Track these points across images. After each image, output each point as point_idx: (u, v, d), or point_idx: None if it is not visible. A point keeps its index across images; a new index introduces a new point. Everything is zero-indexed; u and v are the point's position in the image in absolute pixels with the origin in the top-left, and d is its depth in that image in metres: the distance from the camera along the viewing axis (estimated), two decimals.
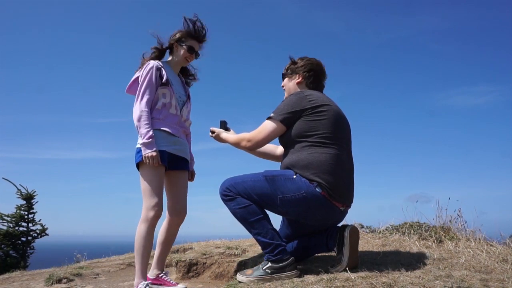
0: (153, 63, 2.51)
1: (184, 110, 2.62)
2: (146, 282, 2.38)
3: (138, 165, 2.47)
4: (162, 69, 2.52)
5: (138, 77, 2.54)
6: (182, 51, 2.59)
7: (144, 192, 2.41)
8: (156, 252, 2.63)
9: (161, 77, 2.49)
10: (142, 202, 2.43)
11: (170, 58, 2.68)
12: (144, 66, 2.51)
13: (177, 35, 2.60)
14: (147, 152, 2.34)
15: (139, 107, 2.42)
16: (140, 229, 2.38)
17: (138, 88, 2.48)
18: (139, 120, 2.40)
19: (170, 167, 2.53)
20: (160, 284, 2.54)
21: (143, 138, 2.36)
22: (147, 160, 2.35)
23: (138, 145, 2.45)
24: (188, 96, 2.71)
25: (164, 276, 2.56)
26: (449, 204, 3.06)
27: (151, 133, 2.38)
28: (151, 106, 2.48)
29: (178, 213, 2.58)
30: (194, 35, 2.59)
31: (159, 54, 2.64)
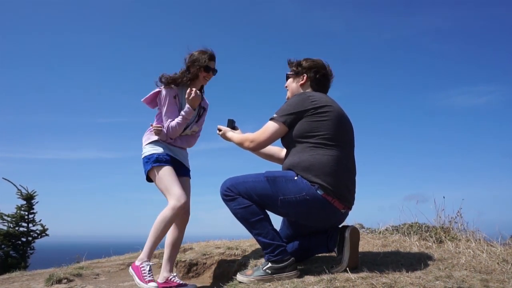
0: (169, 91, 2.70)
1: (187, 130, 2.79)
2: (151, 263, 2.47)
3: (148, 174, 2.63)
4: (177, 96, 2.72)
5: (158, 94, 2.75)
6: (200, 73, 2.74)
7: (166, 187, 2.54)
8: (164, 254, 2.70)
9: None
10: (167, 198, 2.55)
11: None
12: (160, 95, 2.71)
13: (191, 58, 2.75)
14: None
15: (166, 128, 2.66)
16: (164, 214, 2.49)
17: (162, 115, 2.70)
18: (174, 129, 2.63)
19: (176, 172, 2.67)
20: (170, 287, 2.57)
21: (187, 112, 2.63)
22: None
23: (144, 155, 2.65)
24: (199, 115, 2.86)
25: (173, 278, 2.59)
26: (449, 204, 3.06)
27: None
28: (158, 123, 2.73)
29: (183, 214, 2.66)
30: (208, 56, 2.75)
31: (174, 82, 2.76)
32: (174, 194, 2.51)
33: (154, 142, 2.68)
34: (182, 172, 2.77)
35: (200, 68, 2.73)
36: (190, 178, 2.86)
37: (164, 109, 2.68)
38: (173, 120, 2.66)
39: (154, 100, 2.80)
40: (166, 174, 2.57)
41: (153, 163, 2.59)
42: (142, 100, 2.80)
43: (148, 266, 2.44)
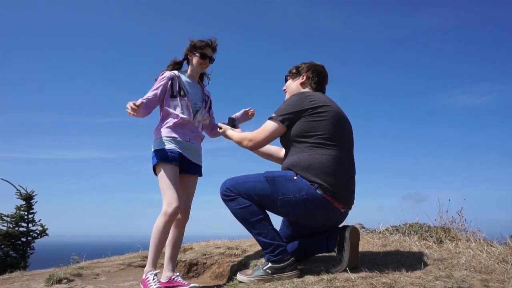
0: (168, 73, 2.70)
1: (198, 116, 2.74)
2: (155, 271, 2.46)
3: (155, 168, 2.61)
4: (176, 78, 2.70)
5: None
6: (196, 59, 2.76)
7: (163, 189, 2.52)
8: (165, 254, 2.70)
9: (172, 87, 2.68)
10: (162, 200, 2.53)
11: (188, 68, 2.85)
12: (160, 76, 2.71)
13: (190, 45, 2.78)
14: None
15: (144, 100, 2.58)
16: (158, 222, 2.50)
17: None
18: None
19: (183, 170, 2.67)
20: (173, 286, 2.56)
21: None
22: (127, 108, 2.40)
23: (154, 148, 2.62)
24: (205, 101, 2.83)
25: (176, 278, 2.59)
26: (449, 205, 3.07)
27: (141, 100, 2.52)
28: (165, 115, 2.68)
29: (181, 213, 2.65)
30: (205, 43, 2.77)
31: (174, 66, 2.82)
32: (166, 198, 2.48)
33: (167, 137, 2.62)
34: (192, 170, 2.73)
35: (194, 53, 2.75)
36: (200, 175, 2.80)
37: (154, 85, 2.68)
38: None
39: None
40: (167, 174, 2.53)
41: (159, 159, 2.55)
42: None
43: (152, 275, 2.43)
